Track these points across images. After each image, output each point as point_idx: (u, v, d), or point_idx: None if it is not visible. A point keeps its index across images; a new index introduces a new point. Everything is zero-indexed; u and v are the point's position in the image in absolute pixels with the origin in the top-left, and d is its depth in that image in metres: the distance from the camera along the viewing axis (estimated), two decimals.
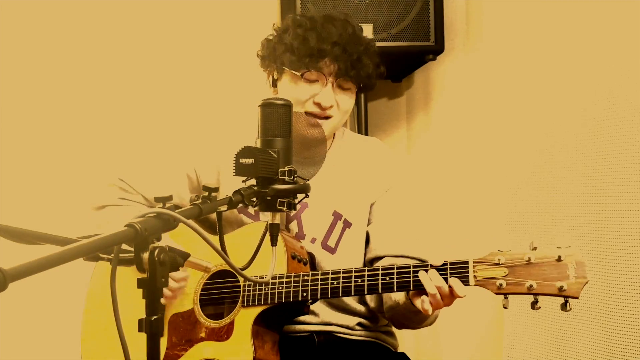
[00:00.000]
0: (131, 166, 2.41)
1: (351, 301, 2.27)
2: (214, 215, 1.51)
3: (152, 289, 1.32)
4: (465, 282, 1.91)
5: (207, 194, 1.47)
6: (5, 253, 1.32)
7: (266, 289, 2.07)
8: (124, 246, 1.31)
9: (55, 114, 3.23)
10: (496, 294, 1.88)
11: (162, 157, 2.40)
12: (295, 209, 1.55)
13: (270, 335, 2.11)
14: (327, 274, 2.04)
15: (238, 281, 2.13)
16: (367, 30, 2.93)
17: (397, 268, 1.98)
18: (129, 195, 2.29)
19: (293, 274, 2.06)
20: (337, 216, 2.27)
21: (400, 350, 2.39)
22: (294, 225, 2.26)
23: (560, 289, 1.83)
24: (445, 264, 1.93)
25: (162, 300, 2.07)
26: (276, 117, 1.57)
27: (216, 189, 1.48)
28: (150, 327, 1.32)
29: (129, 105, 3.27)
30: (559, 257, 1.84)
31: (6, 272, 0.99)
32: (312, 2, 2.93)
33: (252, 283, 2.08)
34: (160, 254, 1.31)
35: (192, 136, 2.44)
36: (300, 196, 1.55)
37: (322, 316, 2.24)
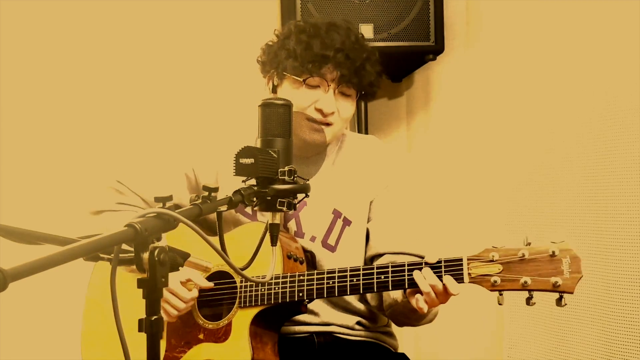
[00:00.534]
0: (129, 167, 2.40)
1: (352, 299, 2.27)
2: (211, 216, 1.51)
3: (152, 289, 1.31)
4: (460, 279, 1.92)
5: (207, 193, 1.47)
6: (5, 253, 1.33)
7: (263, 290, 2.07)
8: (124, 246, 1.31)
9: (55, 113, 3.22)
10: (491, 290, 1.89)
11: (160, 157, 2.40)
12: (295, 209, 1.56)
13: (269, 336, 2.11)
14: (323, 273, 2.05)
15: (235, 282, 2.13)
16: (367, 30, 2.93)
17: (392, 266, 1.98)
18: (126, 198, 2.28)
19: (289, 274, 2.07)
20: (336, 214, 2.27)
21: (400, 350, 2.40)
22: (292, 224, 2.26)
23: (555, 284, 1.83)
24: (439, 262, 1.94)
25: (166, 318, 2.08)
26: (276, 117, 1.57)
27: (216, 189, 1.48)
28: (151, 327, 1.32)
29: (128, 106, 3.26)
30: (553, 252, 1.85)
31: (6, 272, 0.99)
32: (312, 3, 2.93)
33: (249, 284, 2.08)
34: (160, 254, 1.31)
35: (191, 137, 2.44)
36: (300, 196, 1.55)
37: (322, 316, 2.24)
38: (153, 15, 3.28)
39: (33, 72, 3.20)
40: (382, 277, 1.98)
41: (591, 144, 2.65)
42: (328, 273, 2.04)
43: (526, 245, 1.88)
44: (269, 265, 1.55)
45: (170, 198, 1.39)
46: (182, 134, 2.86)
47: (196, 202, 1.44)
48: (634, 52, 2.51)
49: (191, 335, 2.15)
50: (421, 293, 1.93)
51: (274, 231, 1.56)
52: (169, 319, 2.13)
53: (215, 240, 1.44)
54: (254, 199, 1.52)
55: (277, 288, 2.06)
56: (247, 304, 2.09)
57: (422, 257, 1.98)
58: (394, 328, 2.38)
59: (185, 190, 2.27)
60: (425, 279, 1.93)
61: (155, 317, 1.32)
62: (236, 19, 3.31)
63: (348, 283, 2.02)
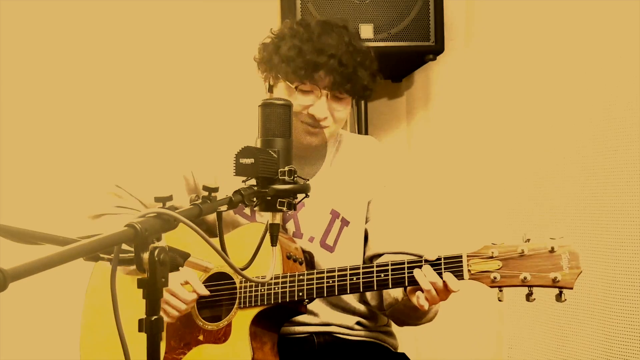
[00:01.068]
0: (127, 170, 2.40)
1: (351, 300, 2.27)
2: (211, 217, 1.51)
3: (152, 289, 1.31)
4: (460, 276, 1.92)
5: (207, 194, 1.46)
6: (5, 253, 1.32)
7: (262, 290, 2.07)
8: (124, 246, 1.31)
9: (54, 113, 3.23)
10: (491, 287, 1.89)
11: (158, 160, 2.40)
12: (295, 209, 1.56)
13: (269, 336, 2.11)
14: (323, 272, 2.05)
15: (234, 283, 2.13)
16: (367, 30, 2.93)
17: (392, 264, 1.99)
18: (125, 202, 2.28)
19: (289, 274, 2.07)
20: (334, 215, 2.28)
21: (400, 350, 2.40)
22: (290, 225, 2.26)
23: (554, 280, 1.84)
24: (439, 259, 1.94)
25: (166, 319, 2.08)
26: (276, 117, 1.57)
27: (216, 189, 1.48)
28: (151, 327, 1.32)
29: (126, 107, 3.26)
30: (552, 248, 1.86)
31: (6, 272, 0.99)
32: (312, 2, 2.93)
33: (248, 285, 2.08)
34: (160, 254, 1.31)
35: (190, 140, 2.43)
36: (300, 196, 1.55)
37: (322, 316, 2.24)
38: (152, 16, 3.28)
39: (32, 75, 3.21)
40: (382, 275, 1.98)
41: (591, 143, 2.65)
42: (328, 272, 2.04)
43: (525, 241, 1.89)
44: (269, 266, 1.55)
45: (170, 198, 1.39)
46: (181, 137, 2.86)
47: (196, 202, 1.44)
48: (634, 52, 2.51)
49: (191, 337, 2.15)
50: (422, 291, 1.94)
51: (274, 231, 1.56)
52: (169, 320, 2.13)
53: (215, 240, 1.44)
54: (254, 199, 1.52)
55: (276, 288, 2.06)
56: (247, 305, 2.09)
57: (421, 257, 1.99)
58: (394, 328, 2.38)
59: (184, 193, 2.26)
60: (425, 276, 1.93)
61: (155, 317, 1.31)
62: (236, 19, 3.31)
63: (348, 282, 2.02)
